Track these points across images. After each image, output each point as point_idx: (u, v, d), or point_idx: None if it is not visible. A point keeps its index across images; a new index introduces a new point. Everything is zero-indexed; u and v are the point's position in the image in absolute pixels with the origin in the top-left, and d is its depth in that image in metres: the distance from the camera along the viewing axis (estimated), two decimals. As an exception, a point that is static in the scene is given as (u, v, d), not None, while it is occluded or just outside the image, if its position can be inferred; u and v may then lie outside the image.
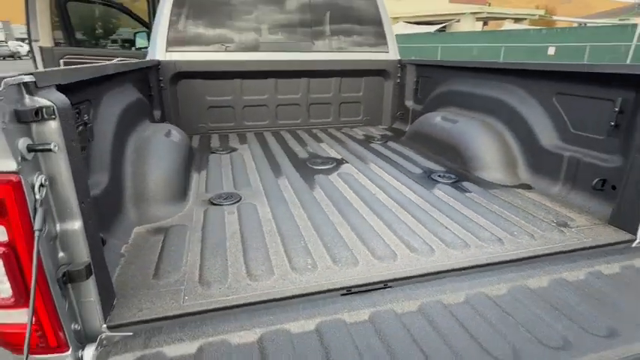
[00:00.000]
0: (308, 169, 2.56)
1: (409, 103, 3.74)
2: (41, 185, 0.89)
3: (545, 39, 20.34)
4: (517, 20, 32.73)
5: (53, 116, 0.91)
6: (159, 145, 2.09)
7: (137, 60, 2.97)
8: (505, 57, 21.23)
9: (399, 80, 3.82)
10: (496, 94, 2.56)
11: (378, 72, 3.82)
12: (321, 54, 3.64)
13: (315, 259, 1.46)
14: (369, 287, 1.32)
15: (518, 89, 2.41)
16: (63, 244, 1.00)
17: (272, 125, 3.73)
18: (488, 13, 30.44)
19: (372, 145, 3.20)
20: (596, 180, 1.87)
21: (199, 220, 1.79)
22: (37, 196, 0.87)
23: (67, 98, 0.99)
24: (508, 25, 29.17)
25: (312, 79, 3.70)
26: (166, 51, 3.29)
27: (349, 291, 1.30)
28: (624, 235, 1.65)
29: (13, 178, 0.83)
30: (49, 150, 0.89)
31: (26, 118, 0.87)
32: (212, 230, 1.69)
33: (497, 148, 2.42)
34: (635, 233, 1.64)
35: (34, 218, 0.86)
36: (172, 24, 3.28)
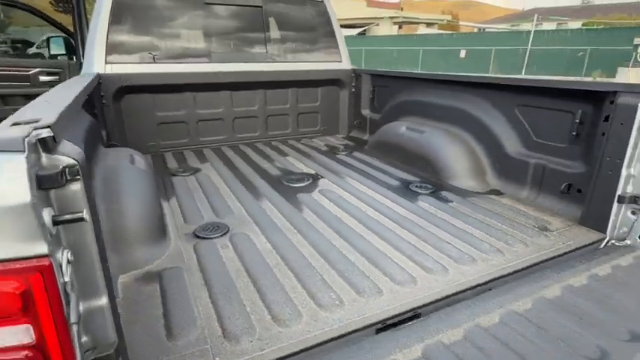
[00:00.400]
0: (286, 187, 2.46)
1: (366, 112, 3.80)
2: (68, 262, 0.72)
3: (457, 43, 22.21)
4: (428, 25, 35.34)
5: (78, 177, 0.73)
6: (129, 175, 1.84)
7: (82, 75, 2.61)
8: (423, 59, 22.81)
9: (353, 89, 3.87)
10: (459, 104, 2.70)
11: (333, 82, 3.82)
12: (277, 64, 3.54)
13: (338, 292, 1.40)
14: (402, 317, 1.30)
15: (481, 100, 2.57)
16: (87, 325, 0.82)
17: (229, 139, 3.54)
18: (404, 17, 32.42)
19: (338, 156, 3.19)
20: (564, 185, 2.07)
21: (192, 259, 1.62)
22: (67, 278, 0.70)
23: (82, 150, 0.81)
24: (422, 30, 31.36)
25: (269, 90, 3.59)
26: (106, 63, 2.95)
27: (385, 324, 1.27)
28: (598, 235, 1.84)
29: (44, 262, 0.65)
30: (81, 219, 0.72)
31: (51, 184, 0.69)
32: (212, 270, 1.53)
33: (466, 157, 2.56)
34: (604, 232, 1.84)
35: (67, 307, 0.69)
36: (112, 32, 2.95)
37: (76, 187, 0.74)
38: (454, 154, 2.58)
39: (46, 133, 0.70)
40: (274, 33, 3.54)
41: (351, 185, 2.49)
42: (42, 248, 0.65)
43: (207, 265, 1.56)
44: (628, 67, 14.41)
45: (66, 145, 0.78)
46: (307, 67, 3.67)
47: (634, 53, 14.30)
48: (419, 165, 2.77)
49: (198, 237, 1.80)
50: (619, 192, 1.77)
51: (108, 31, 2.93)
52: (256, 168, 2.86)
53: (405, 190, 2.42)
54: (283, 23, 3.58)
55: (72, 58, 4.20)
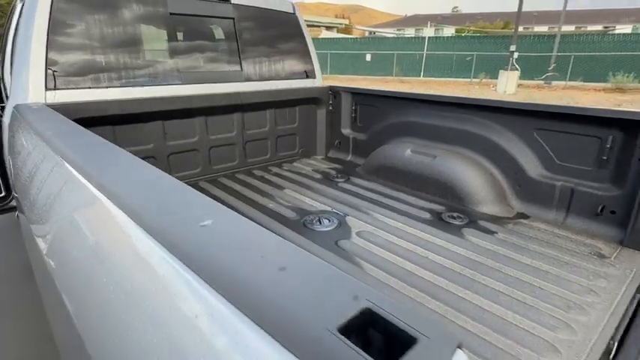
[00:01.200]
0: (315, 233, 2.15)
1: (347, 132, 3.61)
2: None
3: (362, 47, 23.28)
4: (328, 28, 36.51)
5: None
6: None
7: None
8: (331, 62, 23.44)
9: (331, 108, 3.64)
10: (467, 127, 2.68)
11: (309, 100, 3.55)
12: (254, 83, 3.14)
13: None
14: None
15: (492, 123, 2.57)
16: None
17: (206, 172, 3.03)
18: (306, 21, 32.88)
19: (340, 184, 2.94)
20: (600, 207, 2.15)
21: None
22: None
23: None
24: (324, 33, 32.22)
25: (247, 113, 3.17)
26: (47, 89, 2.25)
27: None
28: None
29: None
30: None
31: None
32: None
33: (487, 181, 2.54)
34: (652, 253, 1.95)
35: None
36: (53, 48, 2.26)
37: None
38: (475, 178, 2.54)
39: None
40: (248, 48, 3.12)
41: (382, 222, 2.28)
42: None
43: None
44: (507, 70, 16.66)
45: None
46: (284, 85, 3.34)
47: (510, 59, 16.60)
48: (434, 191, 2.68)
49: None
50: None
51: (47, 47, 2.24)
52: (261, 208, 2.47)
53: (441, 222, 2.30)
54: (256, 37, 3.18)
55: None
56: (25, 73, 2.21)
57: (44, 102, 2.23)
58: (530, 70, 18.22)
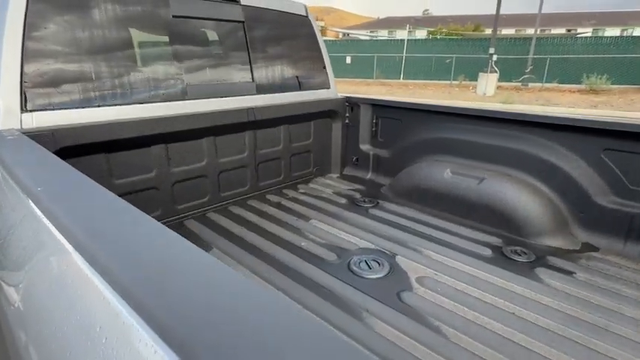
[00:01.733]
0: (371, 284, 1.78)
1: (366, 147, 3.25)
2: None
3: (341, 49, 23.06)
4: (304, 30, 36.09)
5: None
6: None
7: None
8: (310, 65, 23.10)
9: (347, 121, 3.28)
10: (519, 145, 2.38)
11: (325, 113, 3.18)
12: (267, 96, 2.73)
13: None
14: None
15: (549, 142, 2.28)
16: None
17: (214, 201, 2.60)
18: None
19: (370, 211, 2.58)
20: None
21: None
22: None
23: None
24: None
25: (259, 130, 2.76)
26: (24, 110, 1.78)
27: None
28: None
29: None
30: None
31: None
32: None
33: (546, 208, 2.25)
34: None
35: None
36: (31, 59, 1.79)
37: None
38: (533, 205, 2.24)
39: None
40: (259, 56, 2.72)
41: (440, 262, 1.94)
42: None
43: None
44: (487, 72, 16.82)
45: None
46: (298, 97, 2.95)
47: (490, 61, 16.76)
48: (483, 219, 2.36)
49: None
50: None
51: (22, 58, 1.77)
52: (288, 246, 2.08)
53: (506, 260, 1.99)
54: (267, 43, 2.78)
55: None
56: None
57: (19, 127, 1.76)
58: (509, 72, 18.50)
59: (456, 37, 26.98)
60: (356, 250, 2.08)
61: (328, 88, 3.23)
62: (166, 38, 2.28)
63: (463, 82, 19.47)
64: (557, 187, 2.27)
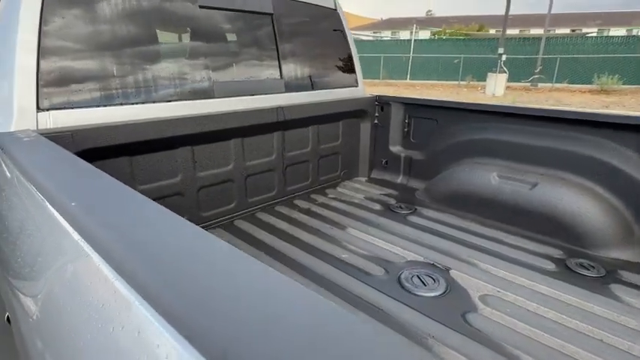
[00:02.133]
0: (430, 303, 1.58)
1: (396, 149, 3.06)
2: None
3: (347, 50, 22.87)
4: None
5: None
6: None
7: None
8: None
9: (376, 121, 3.09)
10: (574, 147, 2.18)
11: (353, 113, 2.98)
12: (295, 94, 2.55)
13: None
14: None
15: (611, 143, 2.08)
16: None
17: (241, 207, 2.41)
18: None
19: (409, 218, 2.38)
20: None
21: None
22: None
23: None
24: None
25: (288, 130, 2.57)
26: (40, 109, 1.60)
27: None
28: None
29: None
30: None
31: None
32: None
33: (610, 216, 2.04)
34: None
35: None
36: (48, 57, 1.61)
37: None
38: (595, 212, 2.04)
39: None
40: (287, 51, 2.53)
41: (500, 278, 1.75)
42: None
43: None
44: (496, 72, 16.60)
45: None
46: (328, 96, 2.76)
47: (499, 61, 16.54)
48: (538, 228, 2.16)
49: None
50: None
51: (39, 53, 1.59)
52: (327, 258, 1.89)
53: (571, 274, 1.79)
54: (296, 37, 2.59)
55: None
56: (8, 90, 1.56)
57: (36, 128, 1.58)
58: (517, 72, 18.26)
59: (462, 37, 26.75)
60: (403, 263, 1.88)
61: (356, 86, 3.05)
62: (191, 32, 2.10)
63: (471, 83, 19.25)
64: (620, 192, 2.06)
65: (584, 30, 41.32)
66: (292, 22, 2.55)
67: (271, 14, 2.40)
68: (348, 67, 2.98)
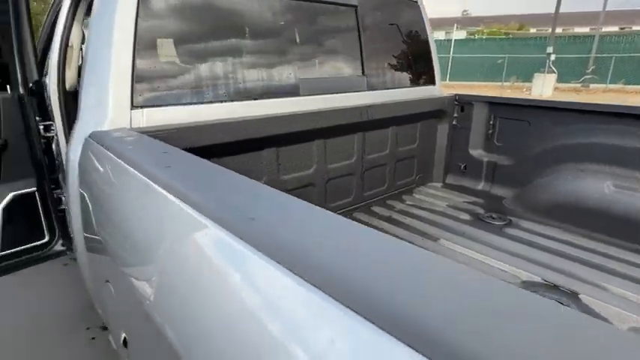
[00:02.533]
0: None
1: (477, 153, 2.81)
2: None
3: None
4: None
5: None
6: None
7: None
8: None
9: (455, 122, 2.86)
10: None
11: (431, 113, 2.77)
12: (377, 93, 2.37)
13: None
14: None
15: None
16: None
17: None
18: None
19: (505, 230, 2.14)
20: None
21: None
22: None
23: None
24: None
25: (368, 132, 2.39)
26: (134, 107, 1.50)
27: None
28: None
29: None
30: None
31: None
32: None
33: None
34: None
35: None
36: (143, 55, 1.52)
37: None
38: None
39: None
40: (370, 46, 2.35)
41: (638, 304, 1.49)
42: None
43: None
44: (543, 72, 15.79)
45: None
46: (407, 94, 2.57)
47: (547, 61, 15.71)
48: None
49: None
50: None
51: (134, 51, 1.49)
52: None
53: None
54: (378, 31, 2.42)
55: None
56: (102, 88, 1.47)
57: (129, 126, 1.48)
58: (566, 72, 17.28)
59: (505, 36, 25.76)
60: (519, 284, 1.66)
61: (434, 84, 2.83)
62: (276, 27, 1.96)
63: (515, 84, 18.42)
64: None
65: (635, 28, 38.86)
66: (376, 15, 2.37)
67: (356, 6, 2.24)
68: (427, 65, 2.77)
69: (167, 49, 1.63)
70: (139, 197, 0.98)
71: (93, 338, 2.32)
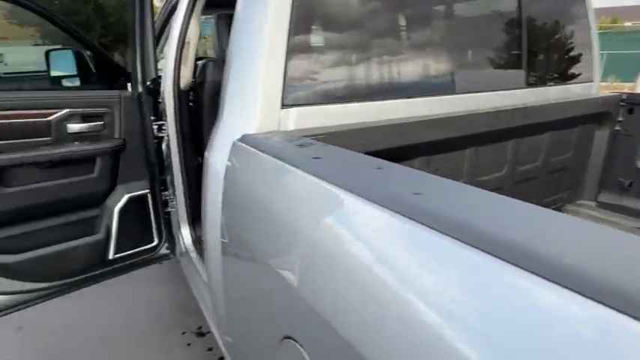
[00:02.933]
0: None
1: (649, 166, 2.27)
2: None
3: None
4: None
5: None
6: None
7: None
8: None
9: (619, 128, 2.33)
10: None
11: (592, 117, 2.27)
12: (538, 91, 1.96)
13: None
14: None
15: None
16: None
17: None
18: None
19: None
20: None
21: None
22: None
23: None
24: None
25: (522, 138, 1.98)
26: (284, 107, 1.27)
27: None
28: None
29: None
30: None
31: None
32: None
33: None
34: None
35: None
36: (295, 48, 1.28)
37: None
38: None
39: None
40: (532, 36, 1.95)
41: None
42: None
43: None
44: (650, 71, 13.83)
45: None
46: (565, 93, 2.12)
47: (655, 57, 13.74)
48: None
49: None
50: None
51: (288, 49, 1.25)
52: None
53: None
54: (540, 19, 2.01)
55: (122, 85, 2.38)
56: (251, 89, 1.26)
57: (277, 126, 1.26)
58: (678, 70, 14.99)
59: (602, 30, 23.17)
60: None
61: (591, 82, 2.34)
62: (428, 16, 1.64)
63: (614, 83, 16.37)
64: None
65: None
66: (537, 3, 1.97)
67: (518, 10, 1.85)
68: (586, 59, 2.29)
69: (319, 44, 1.40)
70: (324, 213, 0.76)
71: (189, 344, 2.23)
